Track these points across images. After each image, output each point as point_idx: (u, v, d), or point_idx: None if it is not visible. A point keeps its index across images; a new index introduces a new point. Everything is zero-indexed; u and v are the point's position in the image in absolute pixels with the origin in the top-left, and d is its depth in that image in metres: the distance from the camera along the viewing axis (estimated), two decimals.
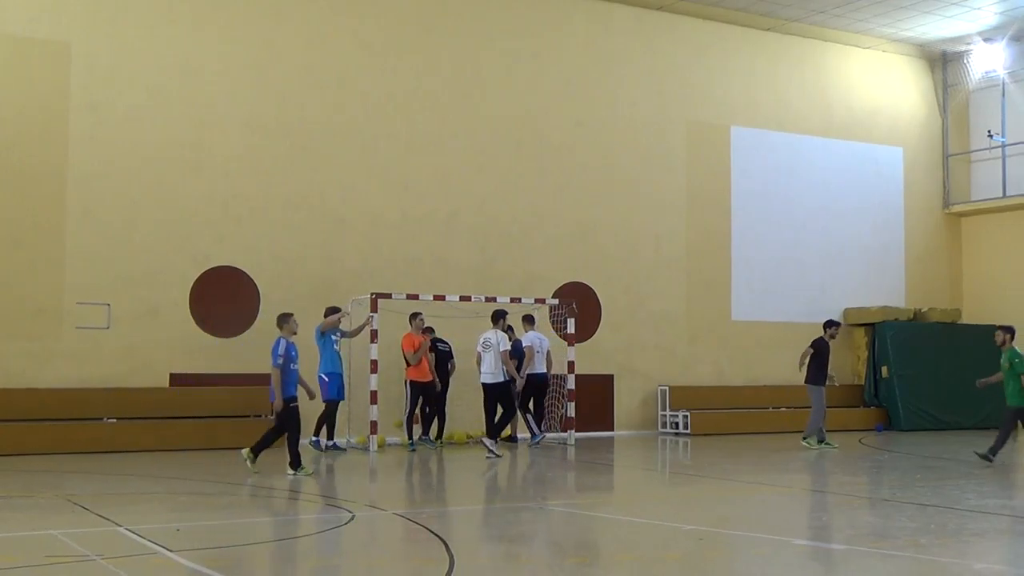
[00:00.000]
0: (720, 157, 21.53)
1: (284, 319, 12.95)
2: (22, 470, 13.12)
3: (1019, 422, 14.88)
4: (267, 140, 17.50)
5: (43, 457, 14.37)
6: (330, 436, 15.76)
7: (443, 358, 17.03)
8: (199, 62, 17.16)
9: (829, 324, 17.31)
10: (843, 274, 22.67)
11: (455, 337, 17.32)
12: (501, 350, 15.53)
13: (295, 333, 12.91)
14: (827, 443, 16.80)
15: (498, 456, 14.96)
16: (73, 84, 16.34)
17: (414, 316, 16.43)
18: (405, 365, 16.28)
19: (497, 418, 15.54)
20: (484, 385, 15.67)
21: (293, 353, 12.66)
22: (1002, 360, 14.78)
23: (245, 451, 12.87)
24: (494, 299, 17.28)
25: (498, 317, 16.01)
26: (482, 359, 15.74)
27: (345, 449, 15.98)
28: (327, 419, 15.66)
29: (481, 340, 15.83)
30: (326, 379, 15.56)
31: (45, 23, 16.27)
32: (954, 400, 21.56)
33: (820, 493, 12.23)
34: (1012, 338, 14.90)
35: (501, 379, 15.51)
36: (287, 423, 12.64)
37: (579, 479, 13.57)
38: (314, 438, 15.69)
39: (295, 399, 12.68)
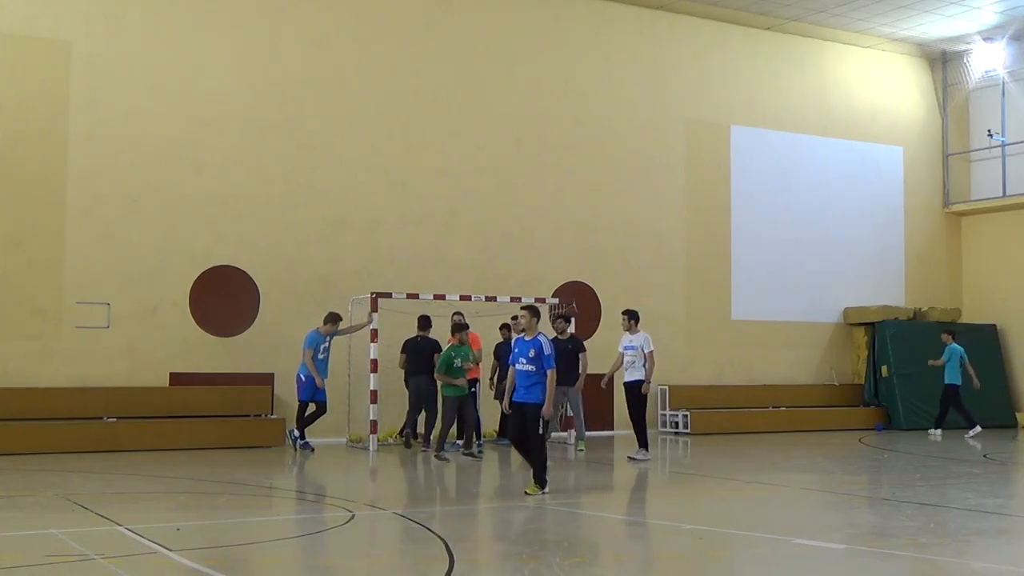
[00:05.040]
0: (720, 156, 21.53)
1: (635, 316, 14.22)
2: (22, 469, 13.12)
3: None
4: (267, 140, 17.51)
5: (43, 457, 14.36)
6: (301, 434, 15.74)
7: None
8: (199, 62, 17.17)
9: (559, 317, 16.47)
10: (843, 274, 22.67)
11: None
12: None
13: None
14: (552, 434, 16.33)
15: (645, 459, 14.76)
16: (73, 84, 16.34)
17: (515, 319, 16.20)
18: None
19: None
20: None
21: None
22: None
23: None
24: (494, 299, 17.30)
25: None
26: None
27: (314, 450, 15.83)
28: (310, 420, 15.73)
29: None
30: (303, 379, 15.62)
31: (45, 22, 16.27)
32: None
33: (819, 492, 12.24)
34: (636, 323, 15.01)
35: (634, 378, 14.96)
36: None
37: (579, 478, 13.57)
38: (296, 433, 15.66)
39: None
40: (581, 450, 16.13)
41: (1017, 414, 22.47)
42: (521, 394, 11.22)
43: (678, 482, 13.91)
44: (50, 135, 16.17)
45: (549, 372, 11.06)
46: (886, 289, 23.12)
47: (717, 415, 20.13)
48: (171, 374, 16.56)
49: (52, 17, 16.31)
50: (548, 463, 11.37)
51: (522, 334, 11.52)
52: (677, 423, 19.77)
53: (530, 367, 11.13)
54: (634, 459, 14.72)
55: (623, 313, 15.18)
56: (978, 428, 19.23)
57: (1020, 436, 20.50)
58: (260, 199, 17.39)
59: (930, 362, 19.83)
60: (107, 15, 16.68)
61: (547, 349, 11.10)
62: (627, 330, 14.99)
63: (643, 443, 14.84)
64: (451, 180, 18.83)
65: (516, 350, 11.36)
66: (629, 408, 14.90)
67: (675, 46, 21.18)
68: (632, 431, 15.02)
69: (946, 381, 19.49)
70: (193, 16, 17.22)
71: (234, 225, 17.20)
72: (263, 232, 17.35)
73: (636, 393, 14.67)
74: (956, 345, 19.58)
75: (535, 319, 11.41)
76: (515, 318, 16.92)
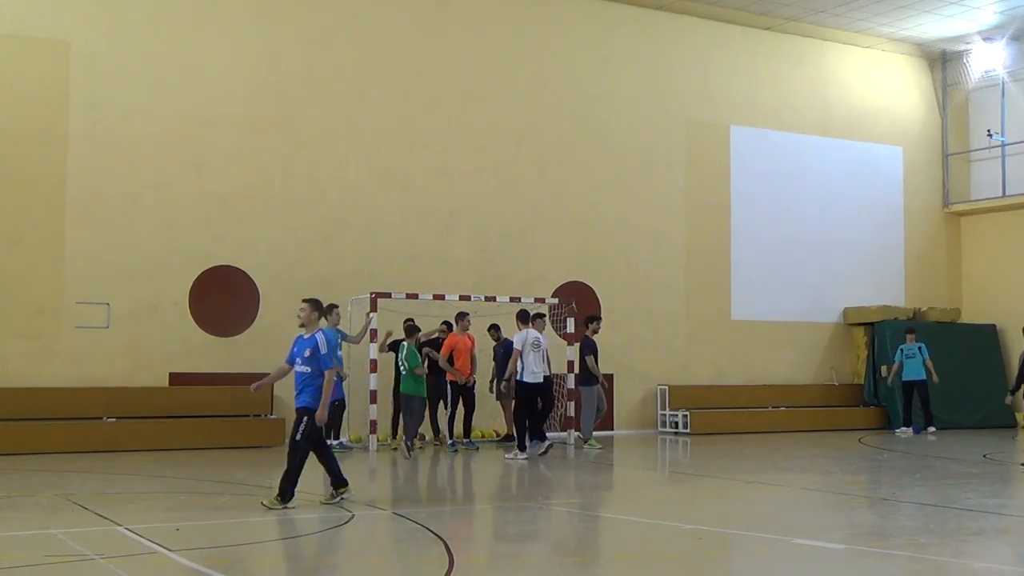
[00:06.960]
0: (720, 156, 21.53)
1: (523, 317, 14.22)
2: (22, 470, 13.13)
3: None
4: (267, 140, 17.51)
5: (43, 457, 14.37)
6: (336, 435, 15.81)
7: None
8: (199, 62, 17.17)
9: (591, 319, 16.78)
10: (843, 274, 22.67)
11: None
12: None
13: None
14: (592, 443, 16.47)
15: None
16: (73, 84, 16.34)
17: (461, 316, 16.50)
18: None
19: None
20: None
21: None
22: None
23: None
24: (493, 299, 17.30)
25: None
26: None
27: (352, 448, 16.01)
28: (336, 420, 15.74)
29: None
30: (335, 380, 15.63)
31: (45, 22, 16.27)
32: (953, 399, 21.57)
33: (819, 492, 12.24)
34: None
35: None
36: None
37: (579, 478, 13.58)
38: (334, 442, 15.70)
39: None
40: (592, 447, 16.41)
41: (1017, 414, 22.46)
42: (298, 398, 9.99)
43: (678, 482, 13.92)
44: (50, 135, 16.17)
45: (327, 373, 9.85)
46: (886, 289, 23.12)
47: (717, 415, 20.13)
48: (171, 374, 16.56)
49: (52, 17, 16.31)
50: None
51: (302, 330, 10.20)
52: (677, 423, 19.77)
53: (305, 368, 9.94)
54: (508, 459, 14.62)
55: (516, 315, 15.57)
56: (910, 430, 20.12)
57: (1020, 436, 20.51)
58: (260, 199, 17.39)
59: (927, 368, 20.11)
60: (107, 15, 16.68)
61: (323, 348, 9.88)
62: (519, 331, 15.23)
63: (519, 443, 14.79)
64: (451, 180, 18.83)
65: (294, 349, 10.13)
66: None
67: (675, 46, 21.18)
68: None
69: (914, 378, 20.17)
70: (193, 16, 17.22)
71: (234, 225, 17.20)
72: (263, 232, 17.35)
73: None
74: (921, 343, 20.32)
75: (316, 314, 10.16)
76: (538, 316, 16.80)
